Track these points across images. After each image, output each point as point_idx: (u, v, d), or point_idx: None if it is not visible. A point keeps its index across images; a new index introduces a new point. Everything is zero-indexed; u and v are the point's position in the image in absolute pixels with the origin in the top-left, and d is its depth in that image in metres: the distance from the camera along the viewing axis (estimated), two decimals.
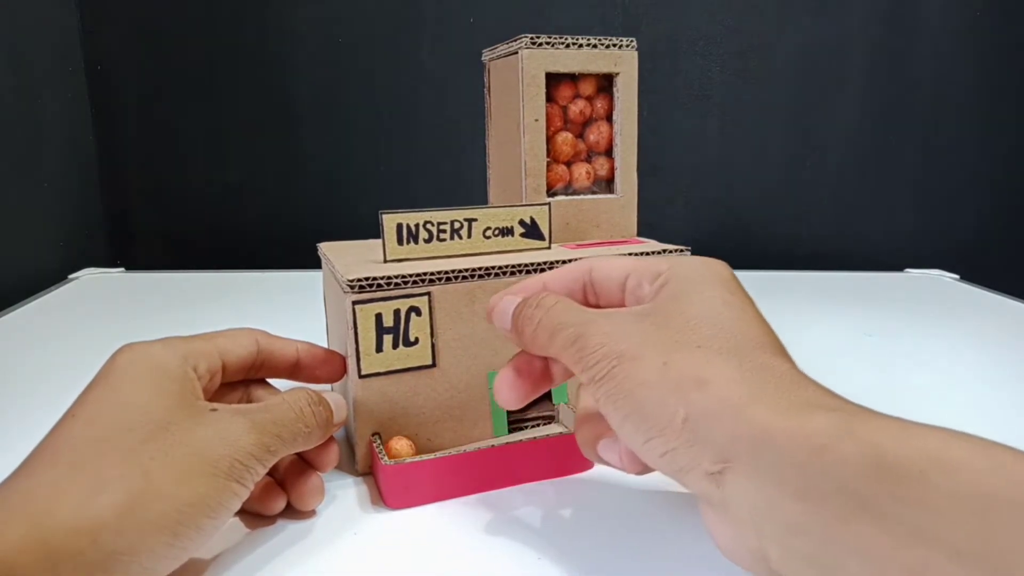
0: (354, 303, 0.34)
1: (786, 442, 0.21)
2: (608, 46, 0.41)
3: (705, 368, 0.24)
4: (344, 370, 0.37)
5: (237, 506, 0.27)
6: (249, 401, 0.34)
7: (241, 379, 0.34)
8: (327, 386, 0.40)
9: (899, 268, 0.88)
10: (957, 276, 0.85)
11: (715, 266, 0.28)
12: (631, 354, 0.25)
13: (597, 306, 0.31)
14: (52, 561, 0.22)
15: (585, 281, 0.31)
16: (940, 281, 0.83)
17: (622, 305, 0.30)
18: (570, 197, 0.43)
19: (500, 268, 0.37)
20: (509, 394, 0.31)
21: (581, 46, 0.41)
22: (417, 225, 0.37)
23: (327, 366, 0.36)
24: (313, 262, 0.44)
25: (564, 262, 0.38)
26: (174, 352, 0.29)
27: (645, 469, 0.28)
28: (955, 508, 0.18)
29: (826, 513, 0.20)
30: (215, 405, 0.28)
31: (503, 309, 0.31)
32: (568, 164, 0.43)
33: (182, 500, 0.25)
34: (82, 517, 0.23)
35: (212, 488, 0.26)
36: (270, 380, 0.36)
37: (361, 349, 0.35)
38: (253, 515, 0.33)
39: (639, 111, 0.43)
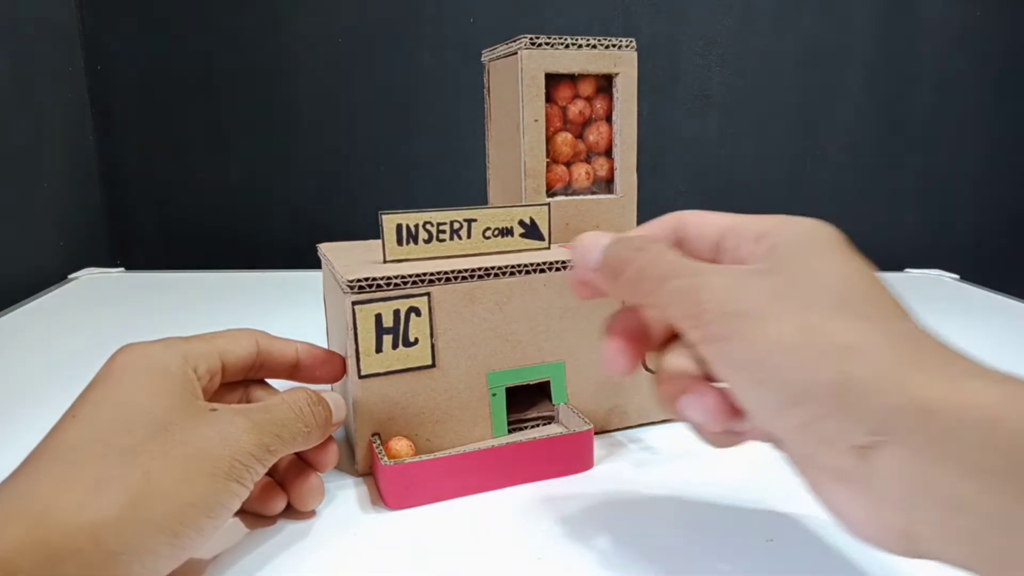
0: (354, 303, 0.34)
1: (952, 414, 0.19)
2: (608, 46, 0.41)
3: (850, 333, 0.22)
4: (344, 371, 0.37)
5: (237, 506, 0.27)
6: (248, 401, 0.34)
7: (241, 379, 0.34)
8: (327, 386, 0.41)
9: (899, 268, 0.88)
10: (957, 276, 0.85)
11: (827, 228, 0.25)
12: (759, 313, 0.23)
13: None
14: (52, 561, 0.22)
15: (675, 238, 0.29)
16: (940, 281, 0.83)
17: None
18: (570, 197, 0.43)
19: (500, 268, 0.37)
20: (625, 362, 0.29)
21: (581, 46, 0.41)
22: (417, 225, 0.37)
23: (327, 367, 0.36)
24: (313, 262, 0.44)
25: (564, 262, 0.38)
26: (174, 352, 0.29)
27: (728, 436, 0.26)
28: None
29: (999, 492, 0.18)
30: (215, 405, 0.28)
31: (591, 243, 0.28)
32: (568, 164, 0.43)
33: (183, 500, 0.25)
34: (83, 517, 0.23)
35: (212, 488, 0.26)
36: (270, 381, 0.36)
37: (361, 349, 0.35)
38: (253, 515, 0.33)
39: (639, 111, 0.43)
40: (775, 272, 0.24)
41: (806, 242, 0.25)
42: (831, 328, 0.22)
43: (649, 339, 0.29)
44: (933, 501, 0.20)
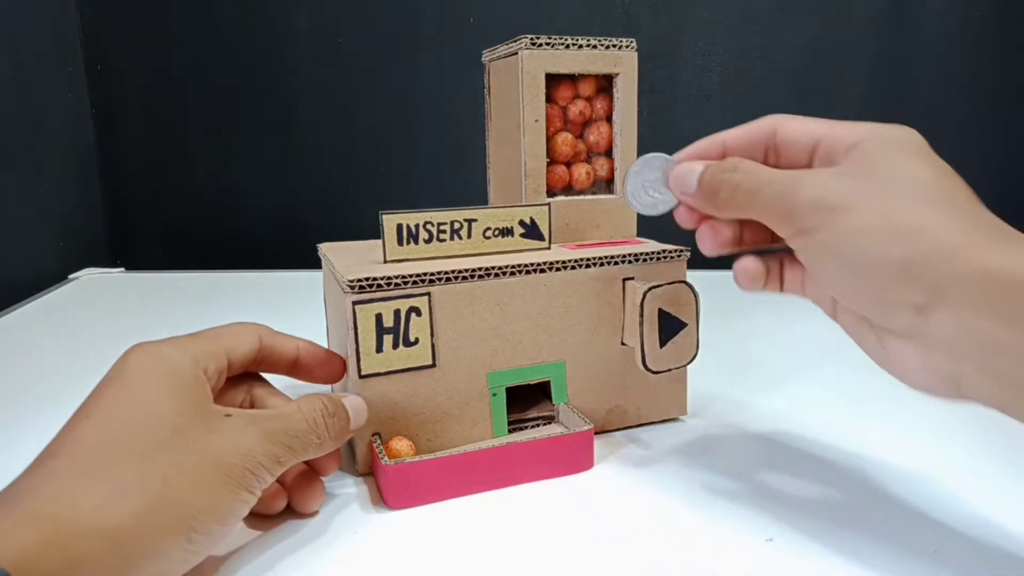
0: (354, 303, 0.34)
1: (1001, 277, 0.24)
2: (608, 47, 0.41)
3: (923, 218, 0.26)
4: (343, 372, 0.37)
5: (246, 513, 0.28)
6: (251, 402, 0.34)
7: (241, 372, 0.34)
8: (326, 386, 0.41)
9: None
10: None
11: (910, 132, 0.29)
12: (846, 206, 0.27)
13: (782, 167, 0.31)
14: (70, 565, 0.22)
15: (768, 144, 0.32)
16: None
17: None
18: (570, 197, 0.43)
19: (500, 268, 0.37)
20: (713, 242, 0.33)
21: (581, 47, 0.41)
22: (417, 225, 0.37)
23: (326, 367, 0.36)
24: (313, 262, 0.44)
25: (563, 262, 0.38)
26: (185, 354, 0.29)
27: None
28: None
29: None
30: (229, 410, 0.28)
31: (685, 171, 0.32)
32: (568, 165, 0.43)
33: (197, 507, 0.25)
34: (101, 521, 0.23)
35: (225, 496, 0.26)
36: (269, 378, 0.36)
37: (361, 349, 0.35)
38: (253, 515, 0.33)
39: (639, 111, 0.43)
40: (861, 172, 0.28)
41: (892, 145, 0.28)
42: (907, 215, 0.26)
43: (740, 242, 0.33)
44: (976, 346, 0.24)
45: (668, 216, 0.35)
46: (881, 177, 0.27)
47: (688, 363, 0.39)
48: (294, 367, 0.36)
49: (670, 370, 0.38)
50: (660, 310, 0.37)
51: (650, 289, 0.37)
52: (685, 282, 0.38)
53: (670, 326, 0.37)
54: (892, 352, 0.28)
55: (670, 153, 0.35)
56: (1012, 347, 0.23)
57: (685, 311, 0.38)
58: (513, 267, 0.37)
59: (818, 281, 0.30)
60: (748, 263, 0.32)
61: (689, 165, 0.32)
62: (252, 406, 0.33)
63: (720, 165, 0.31)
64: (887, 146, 0.28)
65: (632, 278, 0.39)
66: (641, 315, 0.37)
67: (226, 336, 0.32)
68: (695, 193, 0.32)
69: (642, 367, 0.37)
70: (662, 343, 0.37)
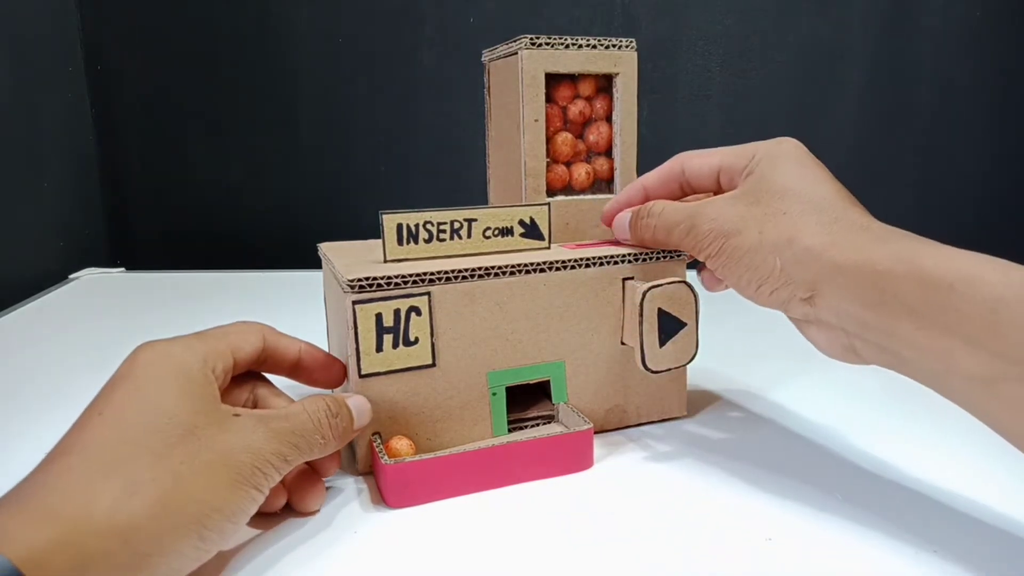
0: (354, 303, 0.34)
1: (855, 272, 0.30)
2: (608, 47, 0.41)
3: (790, 229, 0.32)
4: (343, 378, 0.37)
5: (254, 510, 0.28)
6: (255, 402, 0.34)
7: (244, 371, 0.34)
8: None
9: None
10: None
11: (791, 145, 0.36)
12: (734, 230, 0.34)
13: (695, 193, 0.39)
14: (83, 562, 0.22)
15: (680, 180, 0.39)
16: None
17: (718, 193, 0.37)
18: (570, 197, 0.43)
19: (500, 268, 0.37)
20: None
21: (581, 47, 0.41)
22: (417, 225, 0.37)
23: (326, 371, 0.36)
24: (313, 262, 0.45)
25: (563, 262, 0.38)
26: (195, 354, 0.29)
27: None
28: (972, 309, 0.26)
29: (885, 316, 0.29)
30: (237, 410, 0.29)
31: (620, 222, 0.40)
32: (568, 164, 0.43)
33: (209, 505, 0.26)
34: (115, 519, 0.23)
35: (235, 494, 0.27)
36: (271, 379, 0.36)
37: (361, 349, 0.35)
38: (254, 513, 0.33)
39: (639, 111, 0.43)
40: (746, 195, 0.34)
41: (775, 162, 0.34)
42: (778, 228, 0.33)
43: None
44: (855, 325, 0.30)
45: None
46: (762, 196, 0.34)
47: (688, 363, 0.39)
48: (295, 369, 0.36)
49: (670, 370, 0.38)
50: (660, 310, 0.37)
51: (650, 289, 0.37)
52: (684, 282, 0.38)
53: (670, 326, 0.38)
54: (805, 331, 0.34)
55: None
56: (877, 325, 0.29)
57: (684, 310, 0.38)
58: (513, 267, 0.37)
59: (735, 289, 0.36)
60: (706, 272, 0.39)
61: (622, 215, 0.40)
62: (255, 406, 0.34)
63: (639, 211, 0.39)
64: (771, 163, 0.34)
65: (632, 278, 0.39)
66: (641, 315, 0.37)
67: (232, 335, 0.33)
68: (630, 238, 0.40)
69: (642, 367, 0.37)
70: (662, 343, 0.37)
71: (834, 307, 0.31)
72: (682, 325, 0.38)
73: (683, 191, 0.39)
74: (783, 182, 0.33)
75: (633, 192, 0.40)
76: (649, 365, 0.37)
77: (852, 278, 0.30)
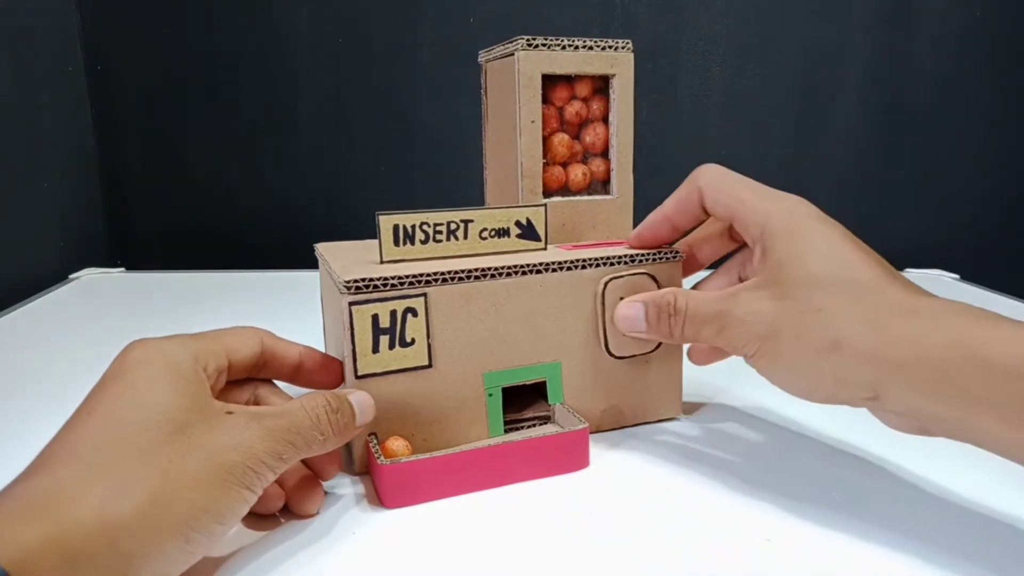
0: (350, 304, 0.34)
1: (918, 367, 0.28)
2: (604, 48, 0.41)
3: (832, 330, 0.30)
4: (342, 377, 0.37)
5: (245, 512, 0.27)
6: (256, 402, 0.34)
7: (244, 377, 0.34)
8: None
9: (899, 268, 0.88)
10: (957, 276, 0.85)
11: (798, 216, 0.33)
12: (769, 334, 0.32)
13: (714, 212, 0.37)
14: (69, 563, 0.22)
15: (701, 207, 0.37)
16: (940, 281, 0.83)
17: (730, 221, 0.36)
18: (566, 198, 0.43)
19: (496, 269, 0.37)
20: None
21: (577, 48, 0.41)
22: (413, 226, 0.37)
23: (326, 372, 0.36)
24: (312, 262, 0.45)
25: (559, 263, 0.38)
26: (186, 351, 0.29)
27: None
28: None
29: (959, 410, 0.27)
30: (231, 407, 0.28)
31: (631, 316, 0.37)
32: (564, 165, 0.43)
33: (197, 505, 0.25)
34: (102, 519, 0.23)
35: (225, 494, 0.26)
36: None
37: (358, 350, 0.35)
38: (251, 514, 0.33)
39: (637, 112, 0.43)
40: (768, 285, 0.32)
41: (791, 241, 0.32)
42: (818, 330, 0.30)
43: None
44: (925, 416, 0.29)
45: None
46: (788, 289, 0.31)
47: (653, 351, 0.40)
48: (296, 373, 0.36)
49: (635, 356, 0.40)
50: (621, 299, 0.39)
51: (611, 279, 0.39)
52: (648, 274, 0.39)
53: None
54: (872, 412, 0.32)
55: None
56: (951, 416, 0.28)
57: None
58: (509, 268, 0.37)
59: (787, 392, 0.34)
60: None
61: (631, 309, 0.37)
62: (256, 405, 0.33)
63: (659, 308, 0.36)
64: (788, 242, 0.32)
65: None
66: (603, 304, 0.39)
67: (228, 337, 0.32)
68: (647, 332, 0.37)
69: (606, 352, 0.39)
70: None
71: (903, 403, 0.29)
72: None
73: (705, 214, 0.38)
74: (809, 269, 0.31)
75: (660, 228, 0.39)
76: (612, 351, 0.39)
77: (915, 374, 0.28)
